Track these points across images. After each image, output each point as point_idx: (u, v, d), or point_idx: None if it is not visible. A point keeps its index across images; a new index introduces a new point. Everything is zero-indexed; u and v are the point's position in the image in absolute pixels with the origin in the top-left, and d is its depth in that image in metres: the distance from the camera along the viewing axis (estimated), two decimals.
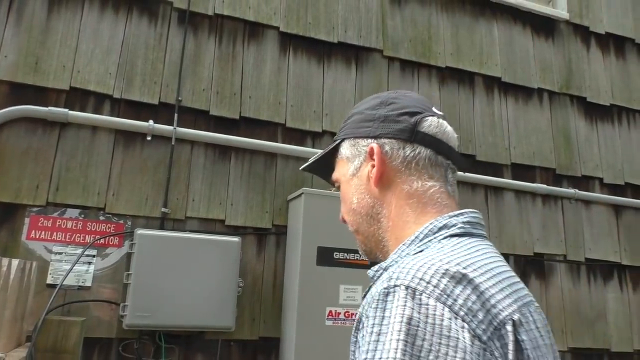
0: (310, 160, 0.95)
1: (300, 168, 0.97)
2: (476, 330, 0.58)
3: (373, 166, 0.82)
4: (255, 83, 2.33)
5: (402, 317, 0.58)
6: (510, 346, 0.59)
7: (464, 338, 0.57)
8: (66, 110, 1.97)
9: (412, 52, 2.66)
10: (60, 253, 1.92)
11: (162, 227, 2.04)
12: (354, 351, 0.67)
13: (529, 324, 0.65)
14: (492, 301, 0.61)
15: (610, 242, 2.86)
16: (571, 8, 3.11)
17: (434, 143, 0.82)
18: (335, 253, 2.03)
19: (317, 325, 1.93)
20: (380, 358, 0.56)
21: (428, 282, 0.61)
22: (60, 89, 2.01)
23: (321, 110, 2.42)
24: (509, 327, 0.60)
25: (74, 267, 1.88)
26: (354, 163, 0.86)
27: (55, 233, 1.92)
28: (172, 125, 2.12)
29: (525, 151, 2.79)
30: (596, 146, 2.98)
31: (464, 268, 0.63)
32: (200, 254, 1.97)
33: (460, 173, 2.55)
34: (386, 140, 0.82)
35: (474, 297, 0.61)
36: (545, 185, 2.75)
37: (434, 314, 0.58)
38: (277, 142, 2.31)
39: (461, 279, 0.62)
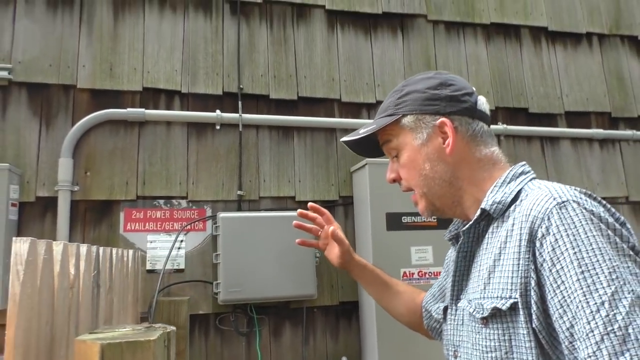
0: (364, 132, 1.03)
1: (344, 139, 1.09)
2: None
3: (444, 138, 0.99)
4: (308, 63, 2.42)
5: (586, 218, 0.78)
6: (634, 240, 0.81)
7: (620, 227, 0.79)
8: (143, 110, 2.13)
9: (455, 12, 2.68)
10: (154, 241, 2.11)
11: (239, 209, 2.21)
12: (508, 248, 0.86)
13: None
14: (612, 210, 0.83)
15: None
16: None
17: (486, 118, 1.01)
18: (403, 217, 2.15)
19: None
20: (587, 249, 0.76)
21: (580, 198, 0.82)
22: (135, 90, 2.17)
23: (373, 82, 2.50)
24: (628, 227, 0.82)
25: (167, 252, 2.08)
26: (419, 135, 1.00)
27: (147, 223, 2.12)
28: (238, 112, 2.25)
29: (579, 98, 2.79)
30: None
31: (588, 191, 0.87)
32: (278, 230, 2.12)
33: (514, 127, 2.60)
34: (455, 117, 0.98)
35: (603, 208, 0.83)
36: (601, 130, 2.76)
37: (600, 215, 0.80)
38: (334, 117, 2.41)
39: (591, 196, 0.84)
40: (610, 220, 0.80)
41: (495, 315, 0.85)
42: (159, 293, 1.86)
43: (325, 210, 1.34)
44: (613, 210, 0.84)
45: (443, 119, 0.98)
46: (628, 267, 0.75)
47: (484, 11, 2.73)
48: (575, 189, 0.85)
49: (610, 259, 0.75)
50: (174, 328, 0.85)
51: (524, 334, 0.82)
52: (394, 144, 1.04)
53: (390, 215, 2.14)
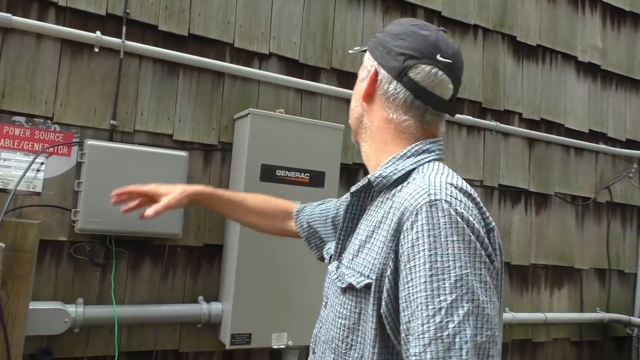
0: (358, 49, 1.12)
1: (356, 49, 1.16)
2: (485, 234, 0.84)
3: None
4: (204, 0, 2.34)
5: (451, 221, 0.80)
6: (498, 250, 0.88)
7: (484, 234, 0.83)
8: (9, 15, 1.93)
9: None
10: (8, 159, 1.96)
11: (110, 139, 2.12)
12: (377, 240, 0.91)
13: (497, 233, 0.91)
14: (484, 217, 0.88)
15: (522, 171, 3.22)
16: None
17: (416, 89, 0.96)
18: (277, 171, 2.20)
19: (258, 234, 2.13)
20: (442, 253, 0.78)
21: (454, 197, 0.83)
22: None
23: (269, 32, 2.48)
24: (496, 238, 0.88)
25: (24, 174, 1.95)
26: (363, 72, 1.06)
27: (2, 140, 1.95)
28: (120, 37, 2.13)
29: None
30: (520, 83, 3.25)
31: (469, 189, 0.89)
32: (150, 166, 2.07)
33: None
34: (382, 71, 1.00)
35: (477, 210, 0.87)
36: (471, 117, 3.01)
37: (469, 219, 0.82)
38: (224, 61, 2.37)
39: (471, 196, 0.87)
40: (477, 225, 0.82)
41: (350, 289, 0.90)
42: (6, 214, 1.75)
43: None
44: (486, 214, 0.88)
45: (376, 66, 1.01)
46: (480, 274, 0.78)
47: None
48: (456, 185, 0.87)
49: (461, 266, 0.77)
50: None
51: (370, 314, 0.86)
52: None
53: (265, 166, 2.18)
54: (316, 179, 2.28)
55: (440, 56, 0.97)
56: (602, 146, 3.53)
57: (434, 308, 0.75)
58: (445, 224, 0.80)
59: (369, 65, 1.04)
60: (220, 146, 2.34)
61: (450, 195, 0.83)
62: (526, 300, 3.22)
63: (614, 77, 3.68)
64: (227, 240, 2.26)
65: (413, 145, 0.97)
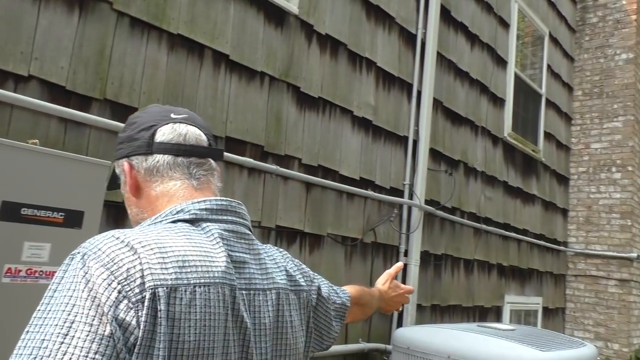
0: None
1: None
2: (129, 292, 0.76)
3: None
4: None
5: (73, 275, 0.77)
6: (144, 310, 0.75)
7: (110, 295, 0.75)
8: None
9: (144, 11, 2.63)
10: None
11: None
12: None
13: (185, 299, 0.79)
14: (147, 273, 0.78)
15: (298, 213, 3.43)
16: (302, 5, 3.49)
17: (170, 148, 0.99)
18: (23, 209, 1.95)
19: None
20: (50, 310, 0.74)
21: (102, 252, 0.79)
22: None
23: (30, 53, 2.23)
24: (148, 295, 0.76)
25: None
26: (122, 180, 1.06)
27: None
28: None
29: (241, 127, 3.09)
30: (301, 131, 3.48)
31: (142, 245, 0.81)
32: None
33: None
34: (133, 157, 1.01)
35: (138, 267, 0.78)
36: (252, 160, 3.11)
37: (94, 274, 0.76)
38: None
39: (133, 252, 0.80)
40: (99, 282, 0.76)
41: None
42: None
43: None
44: (131, 271, 0.78)
45: (123, 161, 1.02)
46: (79, 337, 0.71)
47: (174, 20, 2.77)
48: (123, 239, 0.82)
49: (57, 325, 0.72)
50: None
51: None
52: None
53: (7, 204, 1.92)
54: (73, 219, 2.08)
55: (174, 114, 1.04)
56: (370, 192, 3.96)
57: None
58: (68, 277, 0.77)
59: (119, 168, 1.06)
60: None
61: (96, 248, 0.80)
62: None
63: (383, 132, 4.19)
64: None
65: (171, 207, 0.94)
